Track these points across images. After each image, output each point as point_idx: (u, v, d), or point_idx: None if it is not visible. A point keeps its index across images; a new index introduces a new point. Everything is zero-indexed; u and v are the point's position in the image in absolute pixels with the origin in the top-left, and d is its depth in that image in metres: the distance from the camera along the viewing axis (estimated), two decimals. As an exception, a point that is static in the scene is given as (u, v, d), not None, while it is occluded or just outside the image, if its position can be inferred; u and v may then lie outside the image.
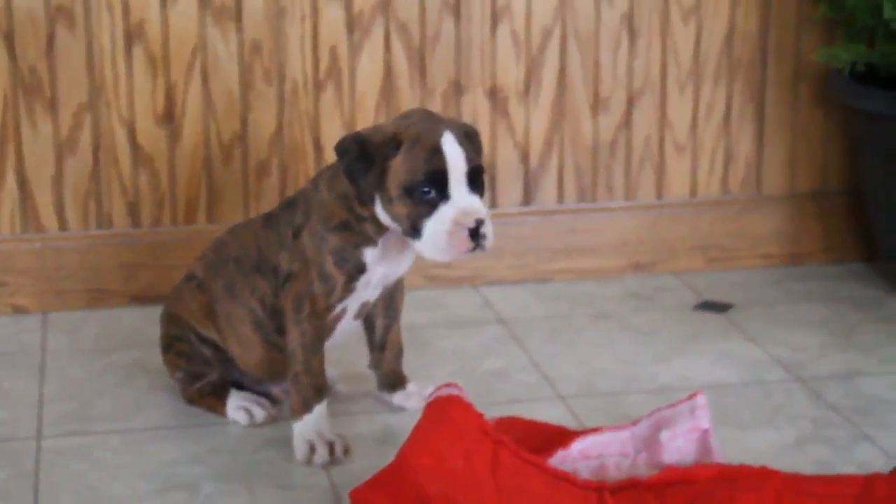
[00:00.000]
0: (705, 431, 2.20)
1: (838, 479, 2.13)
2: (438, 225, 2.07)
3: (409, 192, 2.08)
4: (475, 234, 2.07)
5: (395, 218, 2.11)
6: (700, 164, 2.99)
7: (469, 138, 2.13)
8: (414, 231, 2.10)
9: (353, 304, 2.24)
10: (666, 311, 2.80)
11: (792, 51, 2.96)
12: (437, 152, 2.07)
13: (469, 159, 2.08)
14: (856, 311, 2.81)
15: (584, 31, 2.87)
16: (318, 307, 2.19)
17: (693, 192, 2.99)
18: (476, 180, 2.10)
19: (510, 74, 2.87)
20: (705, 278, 2.97)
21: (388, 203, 2.11)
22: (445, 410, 2.10)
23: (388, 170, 2.09)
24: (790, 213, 3.03)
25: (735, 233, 3.01)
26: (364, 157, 2.09)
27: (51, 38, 2.71)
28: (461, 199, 2.07)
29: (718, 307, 2.82)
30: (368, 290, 2.22)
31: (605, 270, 2.97)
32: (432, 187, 2.07)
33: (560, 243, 2.94)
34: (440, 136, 2.08)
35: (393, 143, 2.09)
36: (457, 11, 2.81)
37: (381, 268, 2.20)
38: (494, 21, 2.83)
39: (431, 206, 2.08)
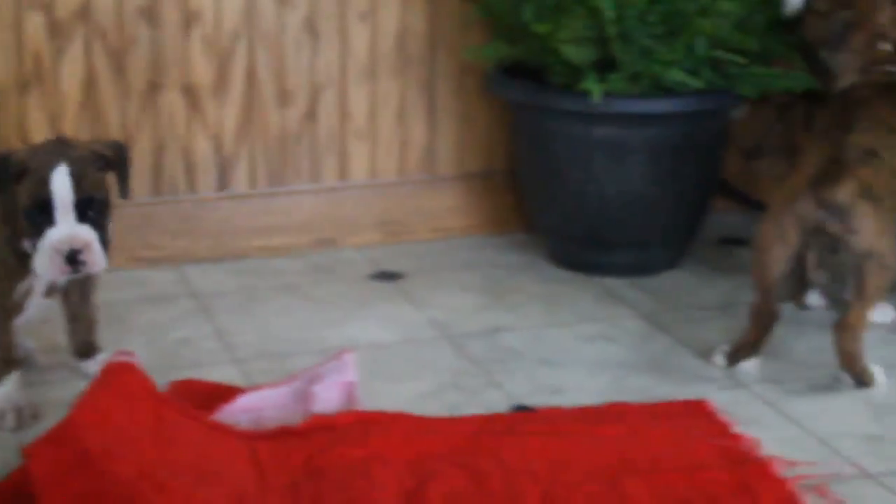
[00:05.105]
0: (350, 384, 2.52)
1: (460, 419, 2.49)
2: (43, 247, 2.37)
3: (26, 215, 2.37)
4: (73, 259, 2.37)
5: (24, 234, 2.41)
6: (378, 149, 3.34)
7: (83, 171, 2.36)
8: (34, 248, 2.39)
9: (38, 284, 2.53)
10: (344, 282, 3.15)
11: (457, 48, 3.32)
12: (44, 183, 2.35)
13: (78, 191, 2.35)
14: (511, 277, 3.19)
15: (270, 34, 3.20)
16: (1, 289, 2.48)
17: (373, 174, 3.35)
18: (87, 210, 2.36)
19: (203, 73, 3.19)
20: (383, 251, 3.33)
21: (21, 220, 2.40)
22: (116, 374, 2.38)
23: (18, 193, 2.38)
24: (461, 191, 3.41)
25: (411, 210, 3.37)
26: (1, 178, 2.38)
27: None
28: (64, 229, 2.36)
29: (390, 276, 3.18)
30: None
31: (294, 247, 3.31)
32: (40, 214, 2.36)
33: (254, 224, 3.27)
34: (52, 168, 2.35)
35: (20, 169, 2.37)
36: (151, 17, 3.12)
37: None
38: (187, 26, 3.15)
39: (40, 230, 2.37)
